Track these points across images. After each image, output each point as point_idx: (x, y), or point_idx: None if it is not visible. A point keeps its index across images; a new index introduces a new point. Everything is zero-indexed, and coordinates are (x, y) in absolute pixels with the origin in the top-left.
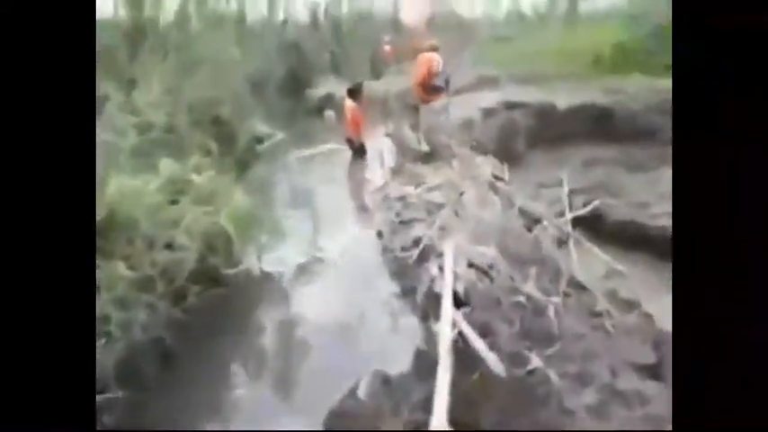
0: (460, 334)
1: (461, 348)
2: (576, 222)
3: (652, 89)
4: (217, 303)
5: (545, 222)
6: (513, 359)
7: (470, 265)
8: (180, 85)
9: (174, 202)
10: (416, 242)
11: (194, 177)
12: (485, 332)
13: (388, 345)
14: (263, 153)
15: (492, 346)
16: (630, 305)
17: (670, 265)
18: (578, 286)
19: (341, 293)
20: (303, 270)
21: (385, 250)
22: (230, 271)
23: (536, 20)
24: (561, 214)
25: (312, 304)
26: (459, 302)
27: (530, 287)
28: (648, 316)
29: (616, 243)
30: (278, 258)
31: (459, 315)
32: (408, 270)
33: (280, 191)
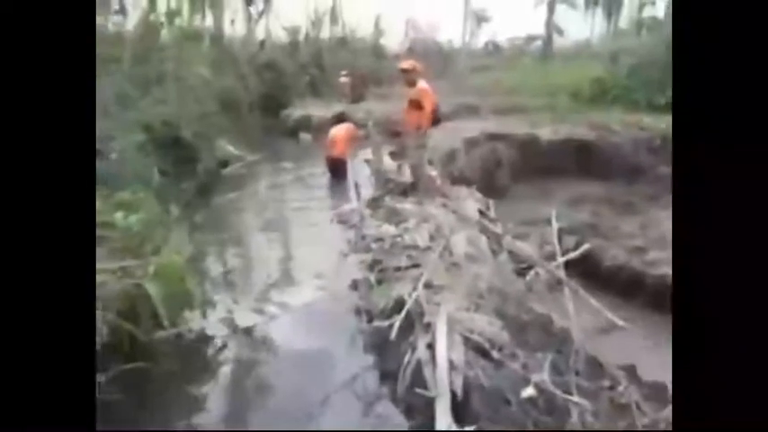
0: None
1: None
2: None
3: (636, 125)
4: (134, 383)
5: (537, 268)
6: None
7: (466, 339)
8: (133, 102)
9: None
10: (399, 305)
11: (118, 219)
12: None
13: None
14: (226, 179)
15: None
16: (657, 390)
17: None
18: (592, 361)
19: (301, 368)
20: (255, 333)
21: (359, 312)
22: (158, 336)
23: (512, 52)
24: (552, 256)
25: (263, 377)
26: (458, 411)
27: (543, 375)
28: None
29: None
30: (224, 318)
31: None
32: (388, 347)
33: (241, 224)
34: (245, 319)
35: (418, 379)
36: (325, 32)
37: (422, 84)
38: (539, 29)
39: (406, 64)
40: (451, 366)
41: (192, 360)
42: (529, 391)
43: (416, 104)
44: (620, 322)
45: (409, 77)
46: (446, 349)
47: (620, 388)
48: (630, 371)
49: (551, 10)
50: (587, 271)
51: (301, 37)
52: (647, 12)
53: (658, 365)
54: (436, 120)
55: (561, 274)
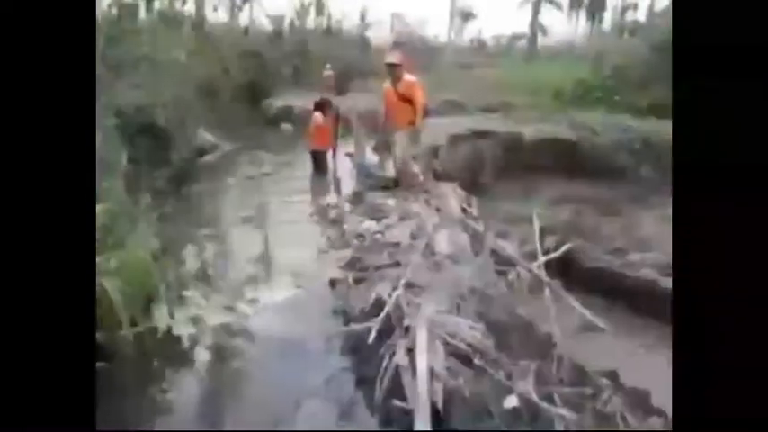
0: None
1: None
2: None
3: (617, 126)
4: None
5: (518, 267)
6: None
7: (446, 344)
8: (103, 86)
9: None
10: (378, 305)
11: None
12: None
13: None
14: (202, 168)
15: None
16: (640, 398)
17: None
18: (574, 368)
19: (273, 370)
20: (226, 332)
21: (336, 313)
22: (119, 337)
23: (497, 50)
24: (533, 256)
25: (233, 377)
26: (437, 421)
27: (528, 385)
28: (665, 417)
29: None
30: (192, 317)
31: None
32: (366, 350)
33: (216, 216)
34: (215, 317)
35: (397, 386)
36: (310, 23)
37: (409, 77)
38: (523, 27)
39: (392, 58)
40: (431, 375)
41: (159, 361)
42: (512, 401)
43: (406, 98)
44: (602, 324)
45: (395, 72)
46: (426, 355)
47: (604, 396)
48: (613, 377)
49: (536, 10)
50: (568, 271)
51: (286, 26)
52: (629, 15)
53: (640, 370)
54: (426, 113)
55: (542, 274)
